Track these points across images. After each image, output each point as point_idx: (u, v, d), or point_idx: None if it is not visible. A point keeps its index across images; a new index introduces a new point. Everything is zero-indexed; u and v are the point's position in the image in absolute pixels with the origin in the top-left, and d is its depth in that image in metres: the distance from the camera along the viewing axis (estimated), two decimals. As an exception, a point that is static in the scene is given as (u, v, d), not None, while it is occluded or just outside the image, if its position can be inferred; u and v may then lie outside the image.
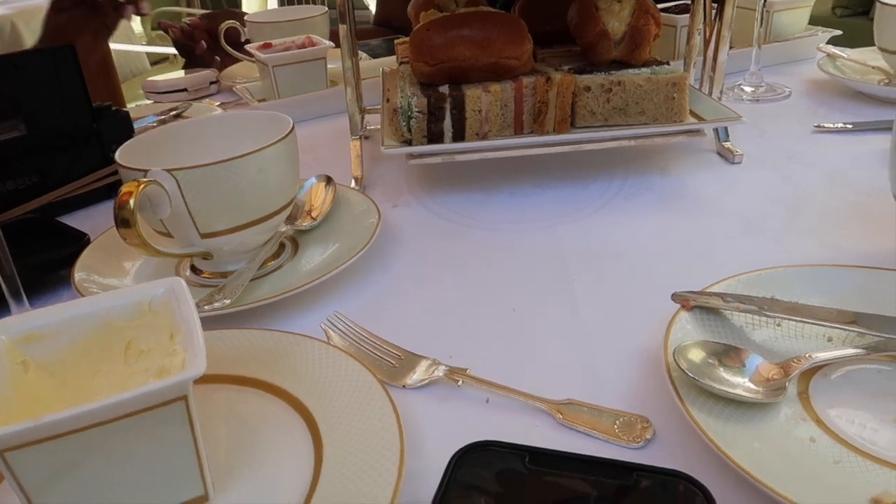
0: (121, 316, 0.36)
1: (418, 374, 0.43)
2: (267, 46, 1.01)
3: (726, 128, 0.75)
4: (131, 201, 0.45)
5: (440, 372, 0.43)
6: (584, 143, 0.66)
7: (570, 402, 0.40)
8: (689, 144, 0.77)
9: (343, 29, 0.72)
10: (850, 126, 0.79)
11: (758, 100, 0.93)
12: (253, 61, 1.04)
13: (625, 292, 0.52)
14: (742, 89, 0.95)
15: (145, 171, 0.48)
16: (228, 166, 0.49)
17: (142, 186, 0.46)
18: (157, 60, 3.05)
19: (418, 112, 0.65)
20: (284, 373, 0.42)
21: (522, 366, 0.45)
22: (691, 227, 0.61)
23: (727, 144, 0.75)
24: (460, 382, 0.42)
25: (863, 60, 0.94)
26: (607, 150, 0.69)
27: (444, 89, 0.65)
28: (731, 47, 1.10)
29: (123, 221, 0.45)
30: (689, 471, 0.35)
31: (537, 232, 0.62)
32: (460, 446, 0.37)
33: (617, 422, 0.39)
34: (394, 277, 0.56)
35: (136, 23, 3.14)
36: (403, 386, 0.43)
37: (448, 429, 0.40)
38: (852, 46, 0.99)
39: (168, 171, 0.48)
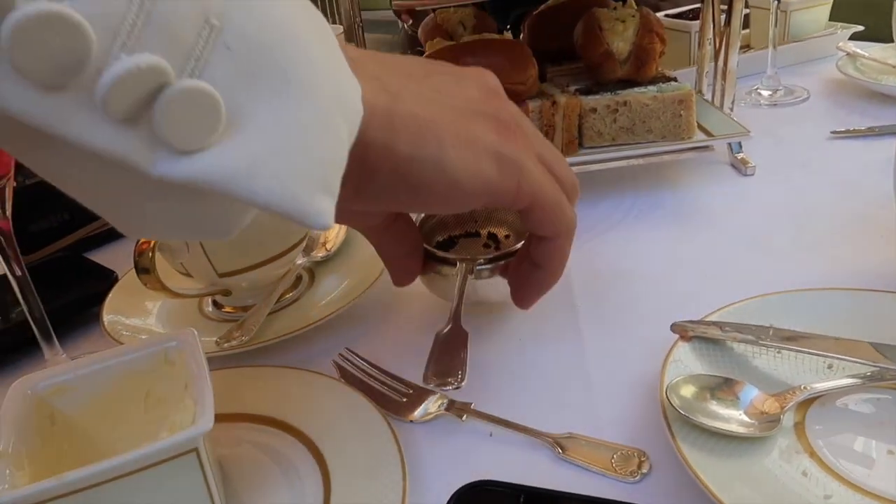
0: (139, 367, 0.39)
1: (425, 408, 0.45)
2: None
3: (739, 141, 0.75)
4: (149, 250, 0.48)
5: (446, 406, 0.45)
6: (592, 163, 0.67)
7: (570, 435, 0.42)
8: (701, 158, 0.77)
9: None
10: (866, 130, 0.78)
11: (775, 104, 0.92)
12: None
13: (629, 319, 0.53)
14: (759, 93, 0.95)
15: (163, 219, 0.50)
16: (241, 210, 0.51)
17: (160, 234, 0.49)
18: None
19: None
20: (297, 411, 0.44)
21: (526, 398, 0.46)
22: (700, 246, 0.62)
23: (740, 156, 0.74)
24: (464, 417, 0.44)
25: (883, 59, 0.92)
26: (617, 168, 0.69)
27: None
28: (750, 48, 1.10)
29: (143, 269, 0.48)
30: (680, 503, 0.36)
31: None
32: (464, 481, 0.38)
33: (614, 456, 0.40)
34: (404, 308, 0.58)
35: None
36: (410, 421, 0.45)
37: (452, 463, 0.42)
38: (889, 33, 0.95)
39: (184, 217, 0.50)
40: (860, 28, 1.05)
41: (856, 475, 0.36)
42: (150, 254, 0.48)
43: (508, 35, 0.85)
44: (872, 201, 0.64)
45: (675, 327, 0.45)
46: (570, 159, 0.67)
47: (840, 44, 0.98)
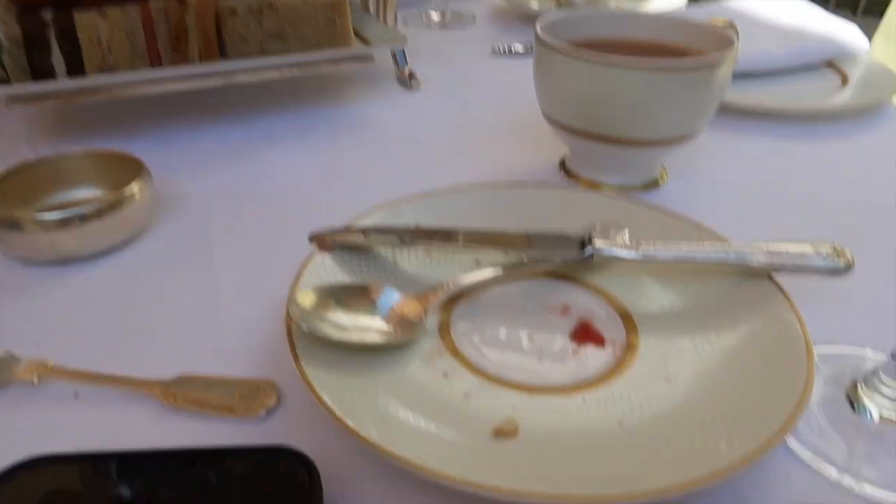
0: None
1: (-20, 378, 0.33)
2: None
3: (404, 54, 0.72)
4: None
5: (15, 368, 0.33)
6: (236, 73, 0.58)
7: (181, 378, 0.33)
8: (368, 73, 0.72)
9: None
10: (522, 49, 0.80)
11: (445, 26, 0.92)
12: None
13: (274, 240, 0.46)
14: (430, 16, 0.93)
15: None
16: None
17: None
18: None
19: (11, 44, 0.51)
20: None
21: (131, 342, 0.36)
22: (362, 159, 0.57)
23: (406, 70, 0.71)
24: (37, 380, 0.33)
25: (538, -14, 0.96)
26: (276, 81, 0.61)
27: (47, 15, 0.52)
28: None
29: None
30: (314, 435, 0.31)
31: (185, 178, 0.53)
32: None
33: (236, 393, 0.32)
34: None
35: None
36: (-42, 397, 0.32)
37: (21, 442, 0.31)
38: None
39: None
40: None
41: (493, 368, 0.33)
42: None
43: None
44: (525, 111, 0.65)
45: (313, 237, 0.39)
46: (211, 69, 0.57)
47: (502, -29, 1.01)
